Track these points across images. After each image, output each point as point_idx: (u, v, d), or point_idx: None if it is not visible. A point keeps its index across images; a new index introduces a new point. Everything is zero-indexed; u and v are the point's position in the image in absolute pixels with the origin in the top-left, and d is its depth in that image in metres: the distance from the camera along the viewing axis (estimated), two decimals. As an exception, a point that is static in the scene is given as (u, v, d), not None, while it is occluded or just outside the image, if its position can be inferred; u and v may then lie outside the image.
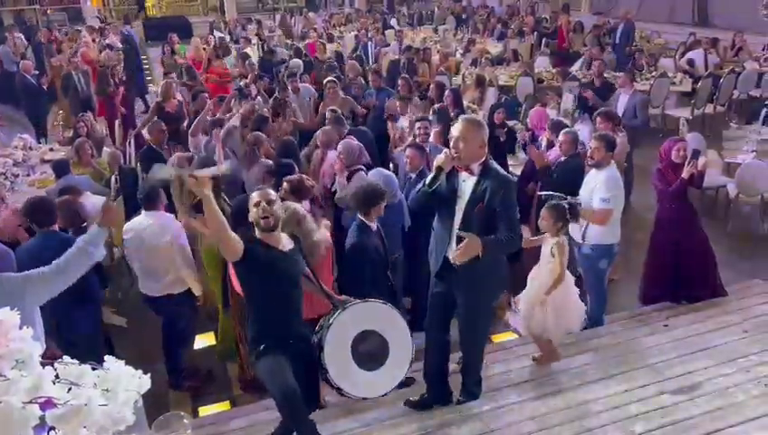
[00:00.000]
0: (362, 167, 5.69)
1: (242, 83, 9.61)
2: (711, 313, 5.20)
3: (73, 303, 4.12)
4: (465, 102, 8.72)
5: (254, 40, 15.23)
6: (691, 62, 12.02)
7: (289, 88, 8.72)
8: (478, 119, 4.07)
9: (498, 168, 3.68)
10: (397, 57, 12.42)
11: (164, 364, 5.04)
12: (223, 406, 4.89)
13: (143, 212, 4.78)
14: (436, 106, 7.16)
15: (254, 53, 13.71)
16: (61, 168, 6.49)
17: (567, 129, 6.03)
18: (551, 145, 6.31)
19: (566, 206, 4.50)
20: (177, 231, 4.76)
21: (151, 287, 4.83)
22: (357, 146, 5.83)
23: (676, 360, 4.49)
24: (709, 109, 10.63)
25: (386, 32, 16.14)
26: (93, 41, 14.50)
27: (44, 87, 11.18)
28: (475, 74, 10.52)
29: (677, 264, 5.30)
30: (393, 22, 19.09)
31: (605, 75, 9.27)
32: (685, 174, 5.04)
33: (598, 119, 6.24)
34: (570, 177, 5.34)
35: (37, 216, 4.28)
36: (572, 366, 4.54)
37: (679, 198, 5.19)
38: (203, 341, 5.66)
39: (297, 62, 11.12)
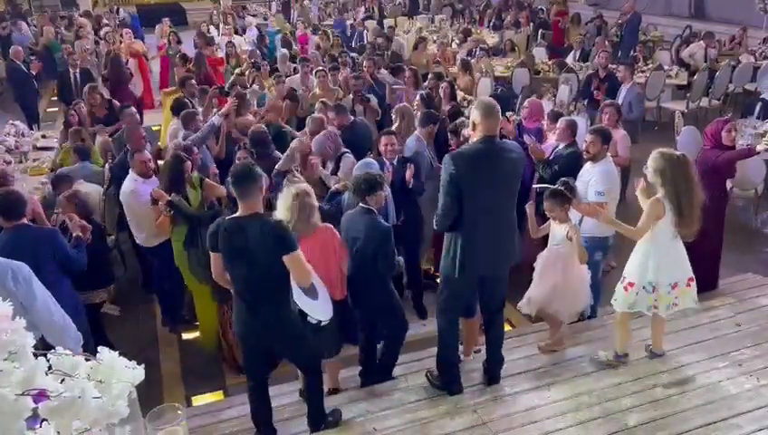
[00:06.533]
0: (347, 151, 5.73)
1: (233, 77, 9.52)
2: (703, 306, 5.19)
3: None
4: (461, 94, 8.70)
5: (254, 30, 15.05)
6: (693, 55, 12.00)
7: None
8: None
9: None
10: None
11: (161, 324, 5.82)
12: (216, 396, 4.89)
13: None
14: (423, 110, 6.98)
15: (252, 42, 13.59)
16: (82, 153, 6.65)
17: (565, 117, 6.04)
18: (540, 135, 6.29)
19: (561, 188, 4.53)
20: (137, 190, 5.35)
21: (136, 237, 5.62)
22: (331, 134, 5.87)
23: (668, 353, 4.50)
24: (704, 102, 10.63)
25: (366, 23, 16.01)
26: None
27: (35, 73, 11.07)
28: (461, 60, 10.49)
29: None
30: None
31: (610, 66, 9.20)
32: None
33: (605, 110, 6.21)
34: (572, 165, 5.31)
35: (5, 211, 4.17)
36: (565, 359, 4.56)
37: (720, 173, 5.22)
38: (191, 334, 5.71)
39: (284, 52, 11.02)
